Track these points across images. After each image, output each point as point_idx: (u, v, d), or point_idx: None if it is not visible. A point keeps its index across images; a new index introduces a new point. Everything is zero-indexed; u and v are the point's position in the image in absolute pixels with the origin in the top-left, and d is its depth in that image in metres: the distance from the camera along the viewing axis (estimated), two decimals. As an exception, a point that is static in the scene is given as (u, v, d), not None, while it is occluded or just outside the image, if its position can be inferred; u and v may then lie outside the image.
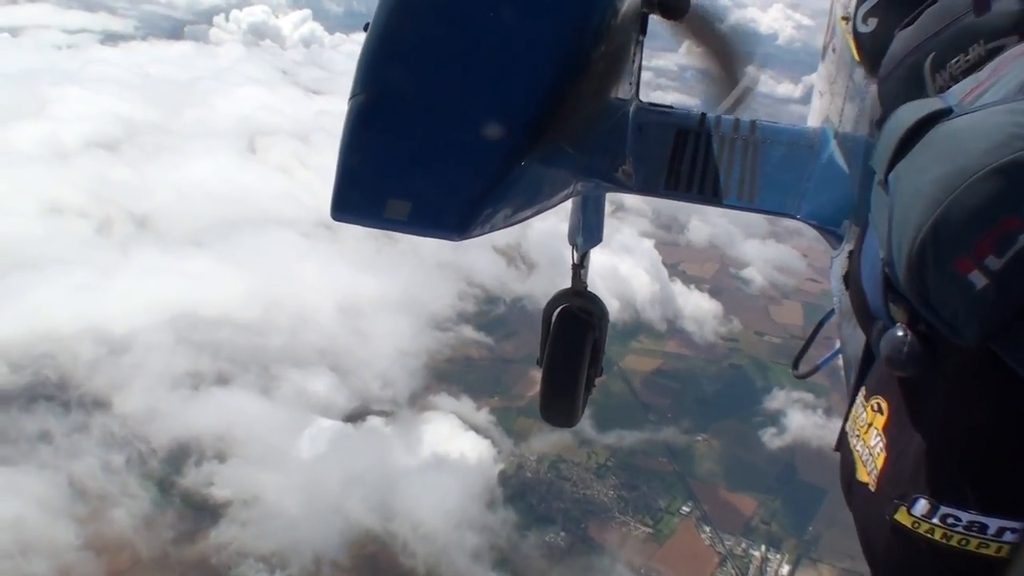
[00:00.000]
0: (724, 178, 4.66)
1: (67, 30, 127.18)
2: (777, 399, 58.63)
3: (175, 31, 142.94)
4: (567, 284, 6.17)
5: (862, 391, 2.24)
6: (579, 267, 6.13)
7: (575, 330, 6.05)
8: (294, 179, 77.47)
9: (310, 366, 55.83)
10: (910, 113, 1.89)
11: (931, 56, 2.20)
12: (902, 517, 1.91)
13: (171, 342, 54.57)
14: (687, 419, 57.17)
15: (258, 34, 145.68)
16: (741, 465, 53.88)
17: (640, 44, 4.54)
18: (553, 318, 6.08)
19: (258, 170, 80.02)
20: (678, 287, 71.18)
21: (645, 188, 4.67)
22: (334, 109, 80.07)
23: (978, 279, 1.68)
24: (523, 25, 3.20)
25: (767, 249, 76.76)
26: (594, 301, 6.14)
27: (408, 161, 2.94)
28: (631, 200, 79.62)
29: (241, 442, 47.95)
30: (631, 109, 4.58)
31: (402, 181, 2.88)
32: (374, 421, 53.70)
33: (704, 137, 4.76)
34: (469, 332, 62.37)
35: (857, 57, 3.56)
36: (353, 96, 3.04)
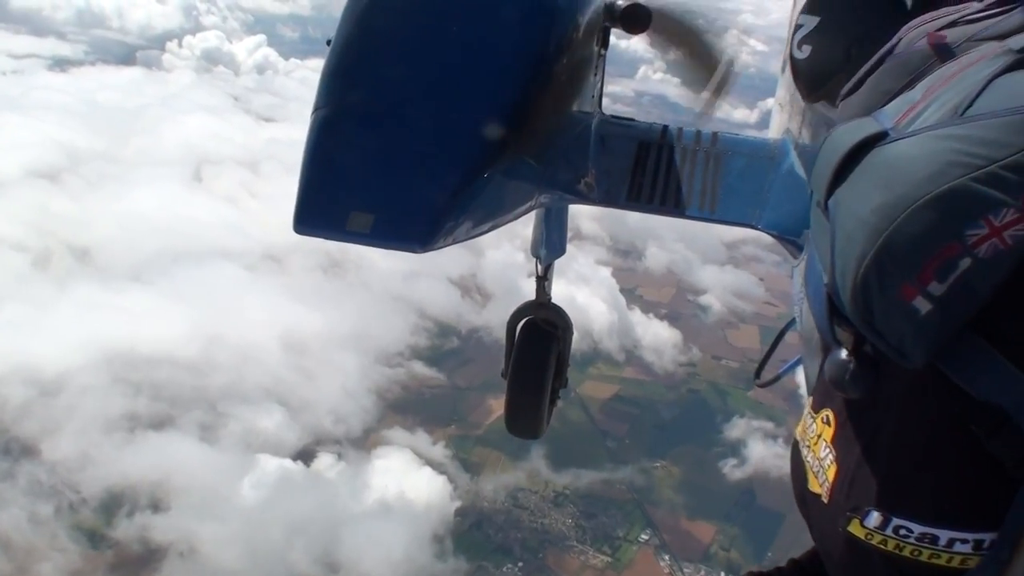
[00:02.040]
0: (686, 189, 4.71)
1: (14, 55, 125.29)
2: (737, 427, 58.12)
3: (127, 57, 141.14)
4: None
5: (810, 401, 2.30)
6: (543, 279, 6.19)
7: (540, 342, 6.12)
8: (241, 209, 75.88)
9: (256, 404, 54.07)
10: (846, 136, 1.93)
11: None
12: (855, 529, 1.97)
13: (106, 383, 52.43)
14: (645, 446, 56.90)
15: (212, 60, 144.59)
16: (700, 492, 53.64)
17: (602, 58, 4.58)
18: (518, 330, 6.15)
19: (203, 200, 77.99)
20: (636, 316, 70.57)
21: (607, 200, 4.69)
22: (285, 137, 79.36)
23: (922, 305, 1.76)
24: (485, 39, 3.24)
25: (725, 275, 76.47)
26: (558, 313, 6.20)
27: (371, 174, 2.98)
28: (588, 227, 79.83)
29: (179, 490, 45.87)
30: (593, 122, 4.64)
31: (365, 194, 2.91)
32: (325, 459, 52.23)
33: (666, 149, 4.78)
34: (423, 364, 60.99)
35: (793, 81, 3.54)
36: (316, 110, 3.06)
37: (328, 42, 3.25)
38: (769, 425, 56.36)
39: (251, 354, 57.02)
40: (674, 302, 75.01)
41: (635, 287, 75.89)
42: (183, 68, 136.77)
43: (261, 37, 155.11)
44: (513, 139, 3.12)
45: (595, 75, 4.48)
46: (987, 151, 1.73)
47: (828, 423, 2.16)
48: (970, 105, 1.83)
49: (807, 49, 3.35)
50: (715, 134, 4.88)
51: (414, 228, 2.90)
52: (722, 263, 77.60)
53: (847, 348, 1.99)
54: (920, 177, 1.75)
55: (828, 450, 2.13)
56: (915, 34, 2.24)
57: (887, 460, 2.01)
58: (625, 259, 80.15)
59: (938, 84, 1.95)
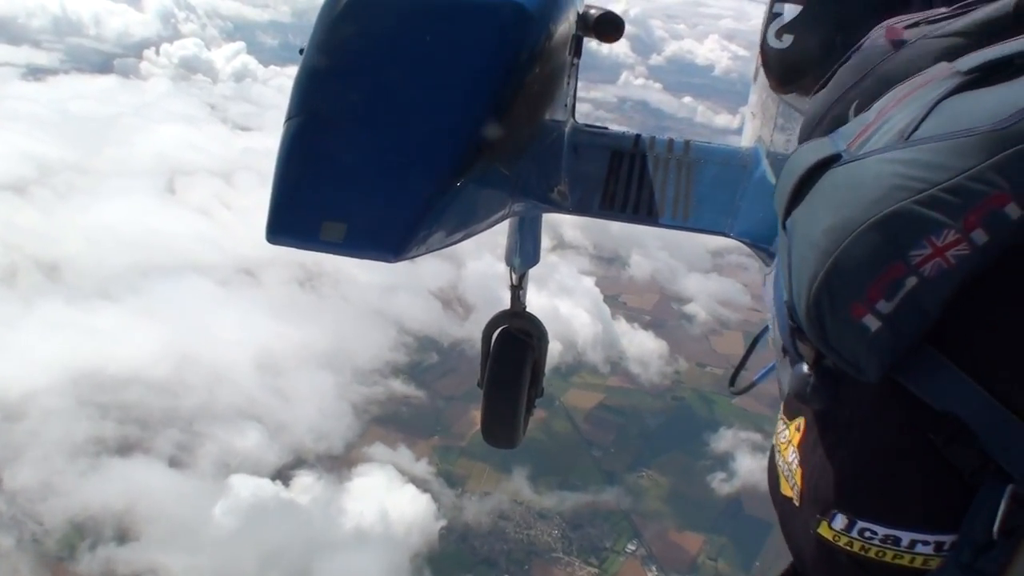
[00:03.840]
0: (659, 197, 4.78)
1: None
2: (724, 438, 57.68)
3: (104, 65, 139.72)
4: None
5: (782, 407, 2.41)
6: (517, 288, 6.25)
7: (515, 351, 6.18)
8: (214, 221, 74.10)
9: (231, 424, 52.44)
10: (804, 157, 2.05)
11: (855, 104, 2.28)
12: (824, 531, 2.07)
13: (72, 406, 50.42)
14: (631, 455, 56.70)
15: (190, 68, 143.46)
16: (687, 502, 53.28)
17: (575, 67, 4.58)
18: (493, 339, 6.18)
19: (176, 212, 76.08)
20: (621, 325, 69.88)
21: (580, 208, 4.75)
22: (261, 146, 78.10)
23: (872, 323, 1.86)
24: (458, 49, 3.24)
25: (710, 283, 75.91)
26: (533, 322, 6.26)
27: (343, 183, 3.00)
28: (571, 235, 79.45)
29: (146, 519, 43.88)
30: (566, 130, 4.67)
31: (337, 203, 2.93)
32: (305, 478, 50.87)
33: (639, 158, 4.88)
34: (404, 378, 59.95)
35: (763, 71, 3.63)
36: (288, 119, 3.09)
37: (301, 51, 3.27)
38: (756, 436, 55.72)
39: (225, 373, 55.39)
40: (658, 310, 74.64)
41: (619, 294, 75.66)
42: (160, 76, 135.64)
43: (240, 44, 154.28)
44: (486, 148, 3.15)
45: (568, 83, 4.49)
46: (929, 174, 1.83)
47: (798, 429, 2.25)
48: (916, 128, 1.91)
49: (788, 39, 3.38)
50: (687, 142, 4.94)
51: (387, 237, 2.91)
52: (707, 271, 77.07)
53: (808, 362, 2.09)
54: (866, 200, 1.85)
55: (795, 455, 2.23)
56: (882, 32, 2.34)
57: (850, 465, 2.10)
58: (608, 268, 79.68)
59: (890, 105, 2.02)
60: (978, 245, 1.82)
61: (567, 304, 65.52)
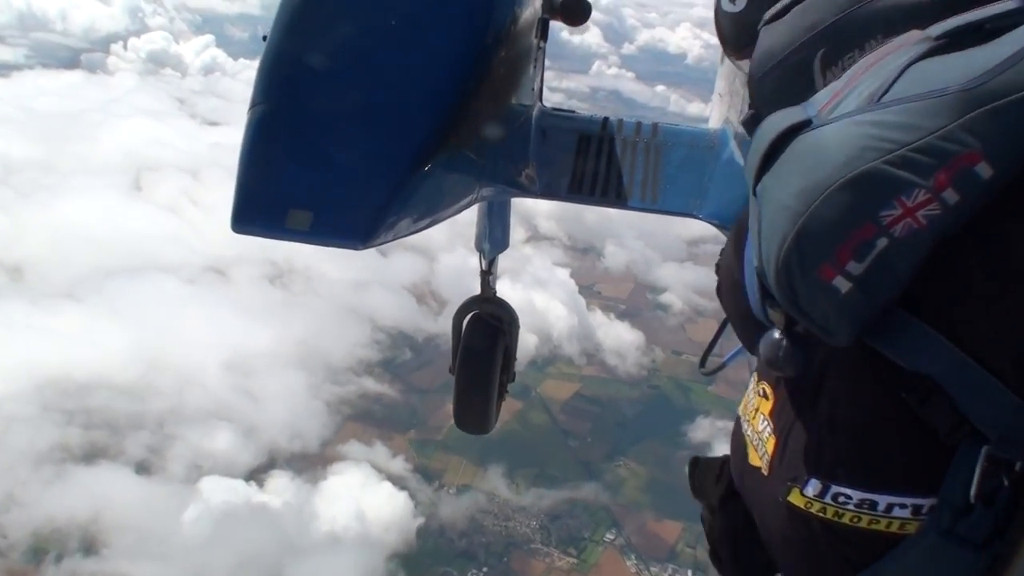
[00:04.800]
0: (627, 180, 4.78)
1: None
2: (700, 427, 58.03)
3: (71, 60, 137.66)
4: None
5: (753, 378, 2.41)
6: (487, 273, 6.26)
7: (486, 336, 6.19)
8: (182, 218, 72.87)
9: (202, 426, 51.69)
10: (773, 125, 2.03)
11: (821, 52, 2.27)
12: (795, 498, 2.07)
13: (36, 412, 49.36)
14: (608, 444, 57.03)
15: (158, 62, 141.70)
16: (664, 490, 53.24)
17: (542, 50, 4.50)
18: (464, 325, 6.22)
19: (143, 210, 74.78)
20: (597, 316, 69.66)
21: (548, 192, 4.78)
22: (229, 141, 76.90)
23: (842, 284, 1.87)
24: (422, 32, 3.19)
25: (685, 272, 75.85)
26: (503, 306, 6.29)
27: (309, 170, 2.97)
28: (545, 226, 79.24)
29: (113, 528, 42.93)
30: (534, 114, 4.64)
31: (303, 191, 2.90)
32: (278, 479, 50.31)
33: (606, 140, 4.88)
34: (380, 372, 59.65)
35: (719, 37, 3.59)
36: (252, 106, 3.05)
37: (264, 37, 3.20)
38: (734, 424, 56.41)
39: (194, 374, 54.71)
40: (634, 300, 74.79)
41: (594, 284, 75.76)
42: (127, 71, 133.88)
43: (209, 37, 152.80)
44: (452, 133, 3.09)
45: (535, 67, 4.45)
46: (899, 135, 1.82)
47: (766, 396, 2.27)
48: (886, 91, 1.90)
49: (741, 2, 3.37)
50: (655, 125, 4.96)
51: (354, 225, 2.87)
52: (682, 260, 77.04)
53: (779, 328, 2.09)
54: (836, 162, 1.84)
55: (766, 422, 2.24)
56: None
57: (824, 430, 2.09)
58: (583, 258, 79.47)
59: (860, 71, 2.01)
60: (949, 205, 1.80)
61: (542, 296, 65.29)
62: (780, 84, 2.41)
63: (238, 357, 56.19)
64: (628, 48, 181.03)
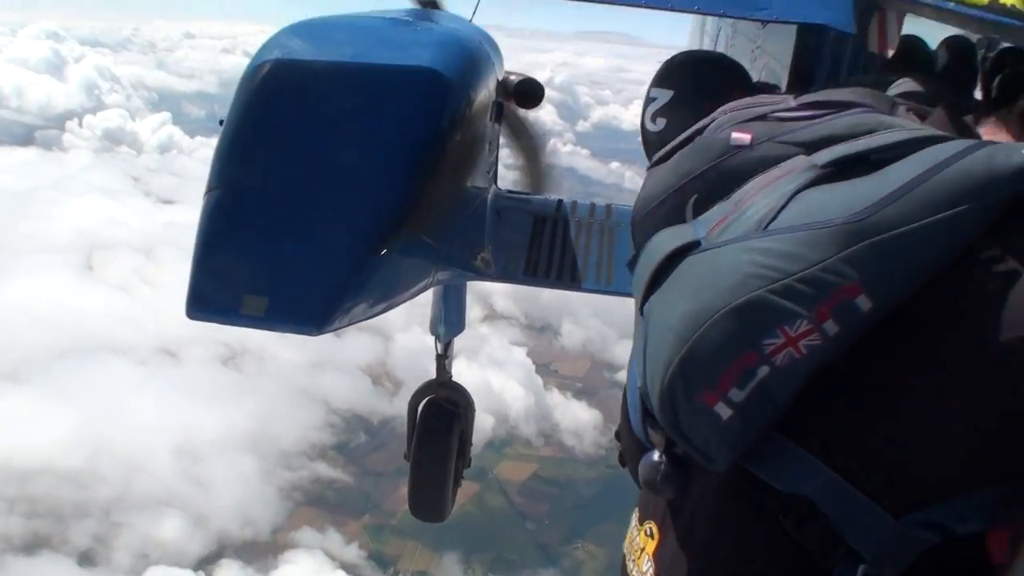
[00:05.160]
0: (582, 262, 4.79)
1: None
2: None
3: (25, 137, 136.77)
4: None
5: (636, 513, 2.43)
6: (443, 357, 6.23)
7: (442, 421, 6.16)
8: (133, 298, 71.38)
9: (149, 514, 50.03)
10: (663, 244, 2.09)
11: (694, 198, 2.32)
12: None
13: (-26, 502, 47.58)
14: (566, 526, 56.44)
15: (113, 139, 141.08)
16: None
17: (497, 132, 4.56)
18: (419, 410, 6.19)
19: (93, 290, 73.27)
20: (554, 396, 69.53)
21: (505, 276, 4.75)
22: (183, 220, 76.57)
23: (724, 411, 1.90)
24: (377, 119, 3.21)
25: (641, 350, 76.00)
26: (459, 391, 6.28)
27: (264, 256, 2.99)
28: (502, 305, 79.47)
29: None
30: (489, 196, 4.67)
31: (258, 276, 2.92)
32: (228, 568, 48.72)
33: (561, 222, 4.90)
34: (333, 457, 58.56)
35: (645, 153, 3.64)
36: (208, 191, 3.10)
37: (221, 121, 3.23)
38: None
39: (142, 460, 53.05)
40: (591, 378, 74.57)
41: (551, 363, 75.66)
42: (83, 148, 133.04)
43: (166, 115, 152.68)
44: (407, 217, 3.12)
45: (490, 150, 4.48)
46: (784, 264, 1.86)
47: (651, 536, 2.26)
48: (773, 219, 1.95)
49: (661, 122, 3.54)
50: (609, 206, 5.02)
51: (309, 310, 2.89)
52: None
53: (659, 449, 2.13)
54: (722, 288, 1.88)
55: (650, 564, 2.24)
56: (726, 119, 2.37)
57: (702, 561, 2.13)
58: (540, 337, 79.42)
59: (749, 195, 2.06)
60: (829, 336, 1.84)
61: (499, 376, 64.97)
62: (658, 227, 2.40)
63: (188, 441, 54.88)
64: (583, 125, 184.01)
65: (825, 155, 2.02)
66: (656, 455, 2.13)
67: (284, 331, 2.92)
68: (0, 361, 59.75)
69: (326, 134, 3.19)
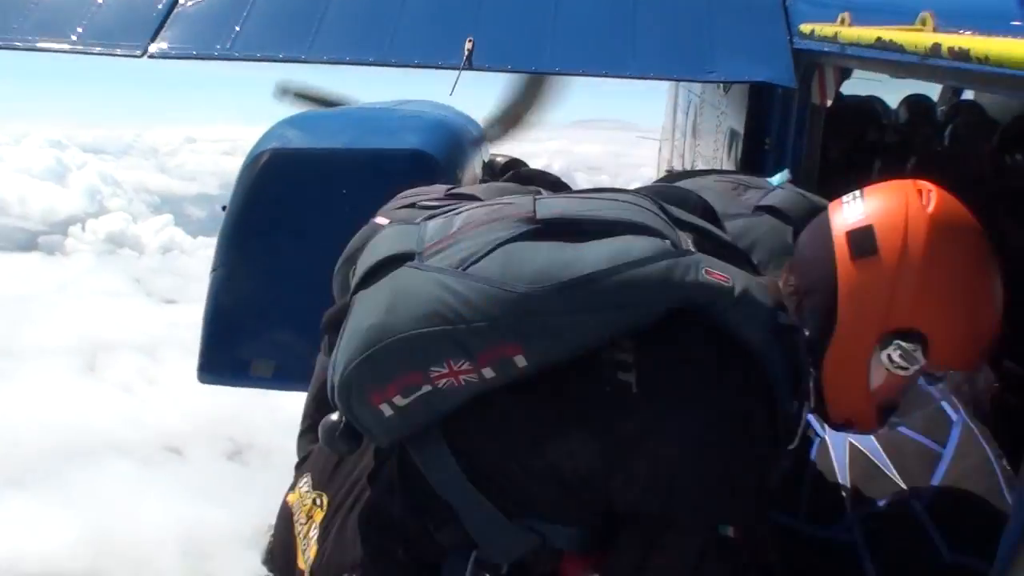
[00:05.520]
0: None
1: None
2: None
3: (28, 243, 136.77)
4: None
5: (309, 476, 2.77)
6: None
7: None
8: (136, 398, 70.43)
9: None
10: (385, 244, 2.41)
11: (352, 271, 2.72)
12: None
13: (-23, 613, 46.11)
14: None
15: (116, 242, 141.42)
16: None
17: None
18: None
19: (97, 391, 72.63)
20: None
21: None
22: (185, 320, 76.67)
23: (387, 410, 2.30)
24: (368, 198, 3.37)
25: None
26: None
27: (269, 324, 3.46)
28: None
29: None
30: None
31: (265, 342, 3.39)
32: None
33: None
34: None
35: None
36: (214, 269, 3.67)
37: (223, 207, 3.73)
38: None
39: (148, 561, 51.78)
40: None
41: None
42: (85, 252, 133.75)
43: (168, 217, 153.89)
44: None
45: None
46: (466, 311, 2.15)
47: (320, 505, 2.64)
48: (475, 262, 2.22)
49: None
50: None
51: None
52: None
53: (339, 412, 2.42)
54: (412, 314, 2.19)
55: (316, 531, 2.58)
56: (390, 204, 2.81)
57: (344, 536, 2.48)
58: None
59: (468, 227, 2.33)
60: (486, 378, 2.24)
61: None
62: (341, 283, 2.83)
63: (195, 539, 53.74)
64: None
65: (545, 209, 2.27)
66: (336, 416, 2.42)
67: (292, 390, 3.16)
68: (3, 466, 59.08)
69: (322, 214, 3.49)
